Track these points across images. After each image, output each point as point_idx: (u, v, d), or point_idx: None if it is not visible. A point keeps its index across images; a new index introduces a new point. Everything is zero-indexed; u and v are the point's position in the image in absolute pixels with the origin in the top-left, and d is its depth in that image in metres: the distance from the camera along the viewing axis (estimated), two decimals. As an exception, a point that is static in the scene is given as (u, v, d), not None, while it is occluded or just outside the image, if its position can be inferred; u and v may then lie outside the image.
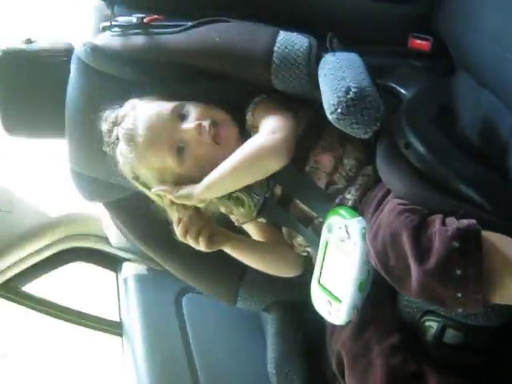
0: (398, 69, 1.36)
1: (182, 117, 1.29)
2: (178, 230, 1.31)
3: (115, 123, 1.32)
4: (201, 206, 1.30)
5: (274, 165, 1.24)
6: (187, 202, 1.27)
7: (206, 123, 1.27)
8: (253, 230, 1.47)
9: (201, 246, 1.30)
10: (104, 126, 1.34)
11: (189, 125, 1.27)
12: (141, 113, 1.30)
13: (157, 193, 1.31)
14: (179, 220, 1.31)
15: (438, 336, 1.12)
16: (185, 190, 1.26)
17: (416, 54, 1.45)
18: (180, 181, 1.32)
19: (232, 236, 1.36)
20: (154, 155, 1.29)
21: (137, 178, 1.35)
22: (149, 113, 1.29)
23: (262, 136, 1.25)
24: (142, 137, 1.27)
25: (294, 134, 1.26)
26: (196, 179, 1.32)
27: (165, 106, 1.30)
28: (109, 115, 1.34)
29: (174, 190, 1.27)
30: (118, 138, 1.31)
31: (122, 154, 1.31)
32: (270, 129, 1.24)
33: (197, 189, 1.25)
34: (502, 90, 1.26)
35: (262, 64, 1.24)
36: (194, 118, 1.29)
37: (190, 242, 1.30)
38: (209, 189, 1.25)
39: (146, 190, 1.37)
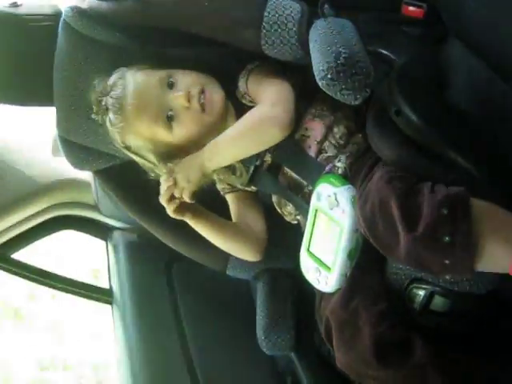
0: (390, 36, 1.34)
1: (171, 85, 1.29)
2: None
3: (103, 93, 1.31)
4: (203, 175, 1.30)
5: (278, 136, 1.24)
6: (193, 174, 1.27)
7: (194, 91, 1.27)
8: (234, 203, 1.48)
9: (168, 210, 1.31)
10: (93, 96, 1.33)
11: (178, 93, 1.27)
12: (129, 82, 1.29)
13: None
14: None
15: (425, 303, 1.12)
16: (186, 160, 1.28)
17: (409, 20, 1.43)
18: (171, 150, 1.32)
19: (197, 208, 1.37)
20: (143, 124, 1.29)
21: (128, 148, 1.35)
22: (137, 81, 1.29)
23: (264, 107, 1.25)
24: (131, 105, 1.27)
25: (294, 104, 1.25)
26: (186, 148, 1.33)
27: (153, 75, 1.30)
28: (97, 85, 1.33)
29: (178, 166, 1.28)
30: (107, 108, 1.30)
31: (112, 123, 1.31)
32: (272, 100, 1.24)
33: (202, 158, 1.26)
34: (494, 58, 1.25)
35: (251, 29, 1.22)
36: (182, 85, 1.29)
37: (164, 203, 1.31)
38: (215, 158, 1.26)
39: (138, 159, 1.37)
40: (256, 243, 1.46)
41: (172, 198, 1.29)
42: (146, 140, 1.32)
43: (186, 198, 1.28)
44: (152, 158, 1.36)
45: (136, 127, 1.30)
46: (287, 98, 1.25)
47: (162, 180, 1.31)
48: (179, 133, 1.30)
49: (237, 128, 1.25)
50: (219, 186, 1.46)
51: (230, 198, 1.48)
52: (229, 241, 1.43)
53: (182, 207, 1.31)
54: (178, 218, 1.33)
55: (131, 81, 1.29)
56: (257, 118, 1.24)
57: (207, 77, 1.33)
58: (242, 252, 1.46)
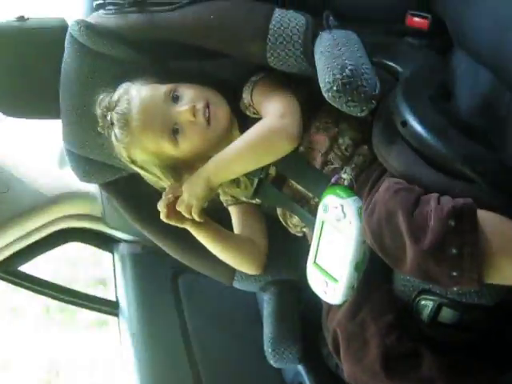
0: (396, 47, 1.34)
1: (176, 99, 1.29)
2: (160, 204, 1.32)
3: (109, 108, 1.31)
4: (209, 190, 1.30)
5: (286, 148, 1.24)
6: (199, 190, 1.27)
7: (199, 105, 1.27)
8: (237, 215, 1.48)
9: (170, 221, 1.31)
10: (98, 111, 1.34)
11: (183, 107, 1.28)
12: (134, 96, 1.29)
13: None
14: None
15: (433, 315, 1.12)
16: (194, 178, 1.27)
17: (414, 31, 1.43)
18: (177, 164, 1.33)
19: (205, 219, 1.36)
20: (149, 138, 1.29)
21: (134, 162, 1.36)
22: (142, 96, 1.29)
23: (273, 119, 1.24)
24: (137, 121, 1.28)
25: (301, 116, 1.26)
26: (192, 161, 1.33)
27: (158, 89, 1.30)
28: (102, 100, 1.33)
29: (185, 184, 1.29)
30: (112, 123, 1.31)
31: (118, 138, 1.31)
32: (280, 112, 1.24)
33: (207, 173, 1.26)
34: (499, 68, 1.24)
35: (257, 42, 1.23)
36: (187, 99, 1.29)
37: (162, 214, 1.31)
38: (220, 173, 1.26)
39: (143, 173, 1.38)
40: (257, 256, 1.46)
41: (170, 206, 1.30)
42: (152, 154, 1.33)
43: (196, 217, 1.29)
44: (157, 171, 1.36)
45: (142, 142, 1.30)
46: (294, 109, 1.25)
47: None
48: (185, 146, 1.30)
49: (244, 141, 1.24)
50: (222, 198, 1.46)
51: (232, 210, 1.48)
52: (230, 252, 1.42)
53: (181, 215, 1.31)
54: (177, 224, 1.33)
55: (136, 96, 1.29)
56: (265, 130, 1.24)
57: (211, 90, 1.33)
58: (243, 264, 1.46)
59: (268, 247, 1.48)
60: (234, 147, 1.24)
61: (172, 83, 1.32)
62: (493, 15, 1.24)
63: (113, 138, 1.33)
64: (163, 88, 1.30)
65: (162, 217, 1.32)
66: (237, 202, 1.46)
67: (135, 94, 1.30)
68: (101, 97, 1.34)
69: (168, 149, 1.31)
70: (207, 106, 1.28)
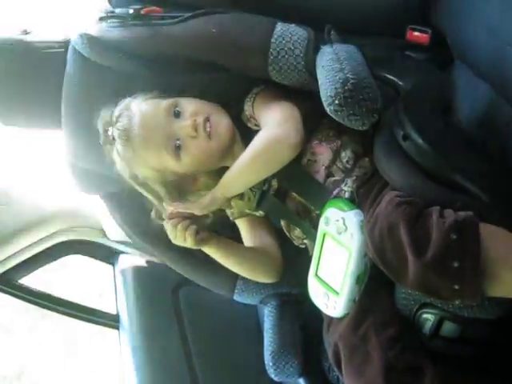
0: (396, 61, 1.36)
1: (177, 114, 1.30)
2: (168, 225, 1.31)
3: (110, 123, 1.31)
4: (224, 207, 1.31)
5: (289, 154, 1.24)
6: (213, 207, 1.28)
7: (200, 119, 1.27)
8: (245, 228, 1.48)
9: (187, 242, 1.29)
10: (99, 126, 1.34)
11: (184, 122, 1.28)
12: (135, 112, 1.29)
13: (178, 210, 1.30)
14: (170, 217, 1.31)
15: (434, 329, 1.11)
16: (206, 199, 1.27)
17: (414, 46, 1.44)
18: (179, 179, 1.33)
19: (215, 236, 1.36)
20: (151, 154, 1.30)
21: (135, 178, 1.36)
22: (143, 112, 1.29)
23: (273, 128, 1.25)
24: (139, 137, 1.28)
25: (302, 123, 1.26)
26: (194, 175, 1.33)
27: (159, 104, 1.30)
28: (103, 115, 1.33)
29: (196, 204, 1.28)
30: (113, 139, 1.30)
31: (120, 154, 1.31)
32: (279, 120, 1.24)
33: (217, 191, 1.27)
34: (499, 82, 1.25)
35: (259, 55, 1.23)
36: (188, 114, 1.29)
37: (179, 237, 1.29)
38: (229, 188, 1.27)
39: (143, 191, 1.38)
40: (274, 264, 1.46)
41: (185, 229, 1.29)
42: (154, 170, 1.33)
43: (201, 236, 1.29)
44: (159, 188, 1.35)
45: (144, 158, 1.30)
46: (294, 116, 1.25)
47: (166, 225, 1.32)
48: (187, 161, 1.30)
49: (249, 153, 1.24)
50: (228, 212, 1.46)
51: (240, 223, 1.48)
52: (247, 265, 1.42)
53: (199, 233, 1.30)
54: (201, 246, 1.32)
55: (137, 111, 1.29)
56: (267, 139, 1.24)
57: (213, 104, 1.33)
58: (262, 275, 1.45)
59: (281, 253, 1.48)
60: (240, 162, 1.25)
61: (173, 97, 1.32)
62: (491, 30, 1.25)
63: (114, 154, 1.32)
64: (164, 103, 1.30)
65: (191, 244, 1.30)
66: (242, 214, 1.45)
67: (136, 109, 1.30)
68: (102, 112, 1.34)
69: (170, 164, 1.31)
70: (208, 120, 1.28)
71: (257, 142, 1.24)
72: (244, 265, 1.41)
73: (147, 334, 1.76)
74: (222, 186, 1.27)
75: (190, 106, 1.30)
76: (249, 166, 1.25)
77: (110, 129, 1.31)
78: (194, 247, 1.31)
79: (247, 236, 1.48)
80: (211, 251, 1.36)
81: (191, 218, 1.29)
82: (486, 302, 1.05)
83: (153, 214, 1.40)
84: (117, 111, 1.31)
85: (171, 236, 1.31)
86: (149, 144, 1.28)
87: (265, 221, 1.47)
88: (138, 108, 1.30)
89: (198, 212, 1.27)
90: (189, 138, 1.28)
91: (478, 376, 1.10)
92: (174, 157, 1.29)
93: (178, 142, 1.28)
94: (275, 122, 1.25)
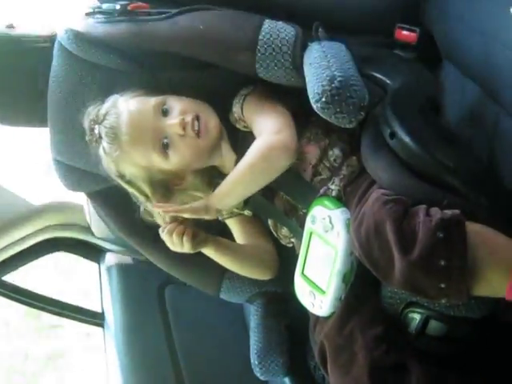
0: (384, 59, 1.35)
1: (165, 112, 1.29)
2: (163, 233, 1.28)
3: (96, 121, 1.30)
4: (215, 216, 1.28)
5: (286, 163, 1.23)
6: (204, 216, 1.24)
7: (188, 118, 1.27)
8: (236, 226, 1.47)
9: (185, 247, 1.27)
10: (86, 124, 1.32)
11: (172, 120, 1.27)
12: (123, 110, 1.28)
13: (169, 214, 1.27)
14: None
15: (420, 328, 1.11)
16: (200, 204, 1.24)
17: (402, 44, 1.44)
18: (166, 177, 1.32)
19: (211, 237, 1.35)
20: (138, 152, 1.29)
21: (122, 176, 1.34)
22: (131, 110, 1.28)
23: (270, 136, 1.23)
24: (126, 135, 1.26)
25: (295, 128, 1.25)
26: (181, 173, 1.32)
27: (147, 102, 1.29)
28: (89, 112, 1.32)
29: (187, 208, 1.24)
30: (100, 137, 1.29)
31: (106, 152, 1.30)
32: (275, 129, 1.23)
33: (212, 201, 1.24)
34: (486, 80, 1.26)
35: (246, 52, 1.22)
36: (176, 112, 1.28)
37: (176, 243, 1.27)
38: (225, 199, 1.24)
39: (129, 189, 1.36)
40: (270, 260, 1.45)
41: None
42: (142, 168, 1.32)
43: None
44: (146, 187, 1.34)
45: (131, 156, 1.29)
46: (288, 124, 1.25)
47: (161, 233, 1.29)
48: (175, 160, 1.29)
49: (246, 163, 1.22)
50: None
51: (231, 223, 1.47)
52: (245, 263, 1.41)
53: (195, 237, 1.28)
54: (198, 249, 1.31)
55: (124, 109, 1.28)
56: (264, 149, 1.22)
57: (201, 102, 1.32)
58: (259, 272, 1.45)
59: (275, 249, 1.47)
60: (237, 172, 1.23)
61: (161, 95, 1.31)
62: (479, 29, 1.25)
63: (101, 152, 1.31)
64: (152, 101, 1.29)
65: (189, 248, 1.28)
66: (232, 215, 1.45)
67: (124, 107, 1.28)
68: (88, 109, 1.32)
69: (158, 162, 1.30)
70: (197, 118, 1.28)
71: (253, 151, 1.23)
72: (241, 263, 1.41)
73: (132, 332, 1.75)
74: (217, 197, 1.24)
75: (178, 104, 1.29)
76: (246, 177, 1.23)
77: (97, 127, 1.29)
78: (192, 251, 1.29)
79: (240, 235, 1.47)
80: (208, 252, 1.35)
81: (184, 222, 1.27)
82: (472, 300, 1.05)
83: (141, 212, 1.39)
84: (104, 109, 1.30)
85: (168, 243, 1.29)
86: (136, 142, 1.27)
87: (255, 220, 1.47)
88: (126, 106, 1.29)
89: (187, 216, 1.26)
90: (177, 136, 1.27)
91: (464, 375, 1.10)
92: (161, 155, 1.28)
93: (165, 140, 1.27)
94: (271, 131, 1.23)
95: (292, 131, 1.24)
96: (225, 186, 1.24)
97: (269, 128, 1.24)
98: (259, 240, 1.46)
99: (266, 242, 1.46)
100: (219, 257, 1.37)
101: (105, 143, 1.29)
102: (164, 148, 1.27)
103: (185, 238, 1.26)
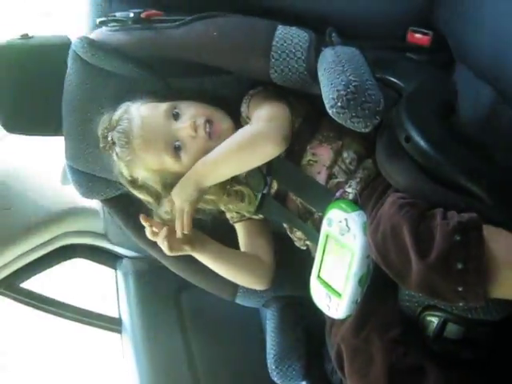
0: (398, 63, 1.35)
1: (176, 116, 1.30)
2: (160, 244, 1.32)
3: (109, 129, 1.31)
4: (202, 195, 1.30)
5: (270, 152, 1.24)
6: (186, 196, 1.26)
7: (200, 120, 1.28)
8: (242, 231, 1.48)
9: (165, 249, 1.31)
10: (99, 132, 1.34)
11: (183, 123, 1.28)
12: (134, 116, 1.30)
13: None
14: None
15: (438, 331, 1.11)
16: (178, 185, 1.27)
17: (415, 48, 1.44)
18: (178, 179, 1.32)
19: (201, 241, 1.37)
20: (151, 156, 1.30)
21: (134, 181, 1.36)
22: (143, 114, 1.30)
23: (259, 124, 1.25)
24: (138, 139, 1.28)
25: (290, 122, 1.26)
26: None
27: (158, 107, 1.31)
28: (103, 121, 1.34)
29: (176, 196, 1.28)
30: (113, 143, 1.31)
31: (119, 157, 1.31)
32: (266, 116, 1.25)
33: (191, 176, 1.26)
34: (500, 83, 1.25)
35: (260, 58, 1.23)
36: (187, 116, 1.29)
37: (168, 249, 1.31)
38: (206, 175, 1.26)
39: (141, 194, 1.38)
40: (264, 272, 1.46)
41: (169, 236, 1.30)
42: (154, 172, 1.33)
43: (186, 223, 1.27)
44: (159, 189, 1.35)
45: (144, 160, 1.31)
46: (282, 115, 1.26)
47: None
48: (188, 162, 1.30)
49: (230, 144, 1.24)
50: (228, 215, 1.46)
51: (239, 227, 1.48)
52: (236, 271, 1.42)
53: (179, 242, 1.31)
54: (180, 253, 1.34)
55: (136, 115, 1.30)
56: (250, 134, 1.25)
57: (212, 107, 1.33)
58: (250, 282, 1.46)
59: (274, 263, 1.47)
60: (220, 150, 1.24)
61: (173, 101, 1.32)
62: (493, 31, 1.25)
63: (114, 157, 1.33)
64: (163, 106, 1.31)
65: (166, 251, 1.32)
66: (242, 218, 1.45)
67: (135, 113, 1.30)
68: (102, 118, 1.34)
69: (171, 165, 1.31)
70: (208, 121, 1.29)
71: (239, 134, 1.25)
72: (233, 270, 1.42)
73: (149, 337, 1.76)
74: (196, 172, 1.26)
75: (189, 108, 1.31)
76: (231, 158, 1.25)
77: (110, 133, 1.31)
78: (171, 254, 1.32)
79: (243, 241, 1.48)
80: (195, 255, 1.37)
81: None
82: (489, 303, 1.05)
83: (154, 217, 1.40)
84: (116, 115, 1.32)
85: (165, 250, 1.32)
86: (149, 146, 1.29)
87: (263, 226, 1.48)
88: (137, 112, 1.31)
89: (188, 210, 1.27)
90: (188, 138, 1.28)
91: (481, 378, 1.09)
92: (173, 157, 1.29)
93: (177, 142, 1.29)
94: (262, 118, 1.25)
95: (282, 122, 1.25)
96: (208, 163, 1.25)
97: (262, 116, 1.26)
98: (261, 249, 1.47)
99: (267, 253, 1.47)
100: (208, 262, 1.39)
101: (117, 148, 1.30)
102: (176, 150, 1.29)
103: (165, 243, 1.30)
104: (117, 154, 1.31)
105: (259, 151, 1.24)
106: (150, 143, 1.29)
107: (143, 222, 1.32)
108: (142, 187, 1.37)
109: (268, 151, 1.24)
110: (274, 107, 1.28)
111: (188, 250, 1.34)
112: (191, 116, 1.29)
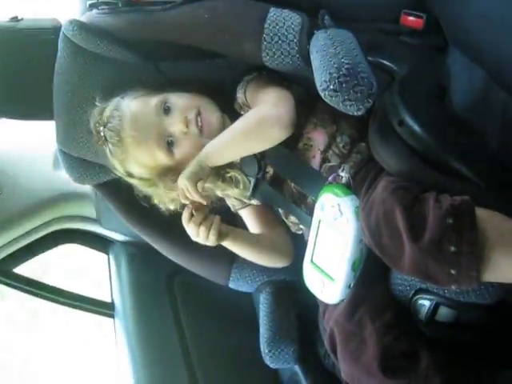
0: (391, 46, 1.34)
1: (167, 110, 1.29)
2: (188, 223, 1.29)
3: (100, 124, 1.31)
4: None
5: (278, 135, 1.24)
6: (202, 176, 1.23)
7: (191, 115, 1.28)
8: (249, 216, 1.47)
9: (209, 241, 1.28)
10: (91, 125, 1.34)
11: (175, 119, 1.28)
12: (125, 113, 1.30)
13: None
14: (190, 215, 1.29)
15: (430, 314, 1.12)
16: (192, 164, 1.23)
17: (408, 31, 1.43)
18: (172, 169, 1.32)
19: (232, 229, 1.35)
20: (144, 153, 1.30)
21: (131, 176, 1.36)
22: (133, 111, 1.29)
23: (267, 107, 1.25)
24: (130, 137, 1.28)
25: (295, 107, 1.26)
26: (187, 164, 1.32)
27: (148, 102, 1.30)
28: (94, 114, 1.33)
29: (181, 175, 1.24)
30: (106, 139, 1.31)
31: (113, 154, 1.32)
32: (273, 101, 1.24)
33: (203, 157, 1.23)
34: (493, 67, 1.25)
35: (252, 41, 1.22)
36: (178, 110, 1.29)
37: (202, 236, 1.28)
38: (215, 155, 1.24)
39: (140, 184, 1.37)
40: (286, 247, 1.46)
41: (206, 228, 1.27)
42: (148, 167, 1.33)
43: (197, 197, 1.24)
44: (155, 181, 1.35)
45: (137, 157, 1.31)
46: (288, 99, 1.26)
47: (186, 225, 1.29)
48: (180, 157, 1.30)
49: (238, 126, 1.24)
50: (229, 203, 1.45)
51: (244, 214, 1.48)
52: (263, 252, 1.42)
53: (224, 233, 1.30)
54: (221, 241, 1.31)
55: (127, 111, 1.30)
56: (259, 117, 1.24)
57: (202, 97, 1.33)
58: (277, 260, 1.45)
59: (289, 234, 1.47)
60: (229, 132, 1.24)
61: (162, 91, 1.32)
62: (487, 15, 1.24)
63: (107, 153, 1.33)
64: (153, 100, 1.30)
65: (213, 240, 1.28)
66: (244, 205, 1.45)
67: (126, 109, 1.30)
68: (93, 111, 1.34)
69: (164, 160, 1.31)
70: (199, 114, 1.28)
71: (249, 116, 1.25)
72: (259, 253, 1.42)
73: (142, 321, 1.77)
74: (208, 153, 1.24)
75: (179, 101, 1.30)
76: (239, 140, 1.25)
77: (102, 129, 1.31)
78: (214, 245, 1.30)
79: (254, 224, 1.47)
80: (227, 243, 1.35)
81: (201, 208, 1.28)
82: (481, 286, 1.05)
83: (158, 203, 1.39)
84: (107, 111, 1.32)
85: (192, 233, 1.29)
86: (141, 144, 1.29)
87: (267, 208, 1.47)
88: (128, 108, 1.30)
89: (186, 184, 1.23)
90: (181, 134, 1.28)
91: (474, 361, 1.10)
92: (166, 153, 1.30)
93: (169, 138, 1.29)
94: (269, 102, 1.25)
95: (290, 107, 1.25)
96: (217, 144, 1.25)
97: (267, 100, 1.26)
98: (274, 228, 1.46)
99: (281, 228, 1.47)
100: (238, 248, 1.38)
101: (110, 146, 1.31)
102: (169, 146, 1.29)
103: (211, 232, 1.27)
104: (110, 152, 1.32)
105: (267, 136, 1.24)
106: (143, 141, 1.29)
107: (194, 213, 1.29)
108: (139, 179, 1.37)
109: (276, 135, 1.24)
110: (278, 91, 1.28)
111: (228, 240, 1.33)
112: (182, 110, 1.29)
